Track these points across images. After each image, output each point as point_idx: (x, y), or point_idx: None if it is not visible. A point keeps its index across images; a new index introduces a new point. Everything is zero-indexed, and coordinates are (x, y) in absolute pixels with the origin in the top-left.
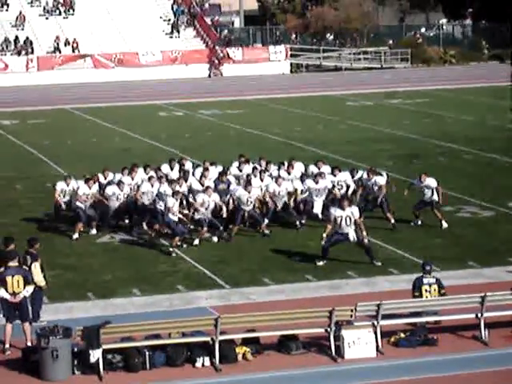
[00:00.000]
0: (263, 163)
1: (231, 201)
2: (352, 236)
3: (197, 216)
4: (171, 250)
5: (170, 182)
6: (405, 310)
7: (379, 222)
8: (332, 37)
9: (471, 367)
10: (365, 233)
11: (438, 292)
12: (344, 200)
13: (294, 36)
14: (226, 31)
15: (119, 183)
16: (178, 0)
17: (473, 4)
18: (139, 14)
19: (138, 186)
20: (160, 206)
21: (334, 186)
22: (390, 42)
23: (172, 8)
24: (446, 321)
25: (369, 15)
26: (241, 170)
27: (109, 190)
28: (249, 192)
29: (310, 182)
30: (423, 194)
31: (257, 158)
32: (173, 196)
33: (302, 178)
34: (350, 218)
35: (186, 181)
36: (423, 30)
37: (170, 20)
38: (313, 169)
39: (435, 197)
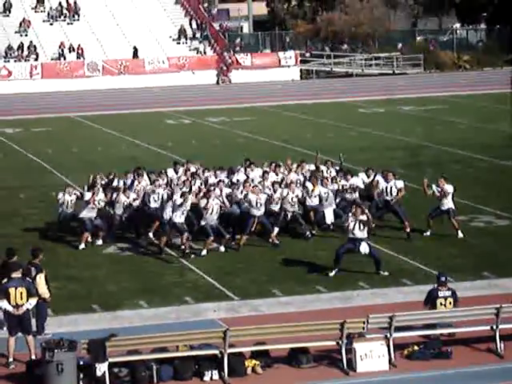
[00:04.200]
0: (272, 166)
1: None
2: (364, 248)
3: (202, 222)
4: (187, 251)
5: (176, 185)
6: (418, 321)
7: (392, 232)
8: (339, 42)
9: (486, 380)
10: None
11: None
12: (357, 208)
13: (309, 43)
14: (238, 40)
15: (125, 190)
16: (188, 9)
17: (487, 8)
18: (145, 20)
19: (145, 193)
20: (166, 214)
21: (344, 190)
22: (400, 45)
23: (190, 25)
24: (461, 333)
25: (380, 20)
26: (247, 176)
27: (114, 197)
28: (257, 194)
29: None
30: (440, 200)
31: (265, 164)
32: (181, 196)
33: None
34: (364, 224)
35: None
36: (432, 36)
37: (173, 23)
38: (322, 168)
39: (452, 204)
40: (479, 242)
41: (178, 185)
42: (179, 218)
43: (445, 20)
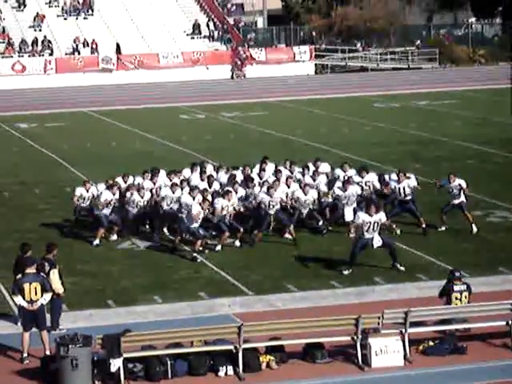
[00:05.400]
0: (287, 164)
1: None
2: (376, 242)
3: (215, 220)
4: (195, 255)
5: (192, 189)
6: (433, 317)
7: (407, 227)
8: (353, 36)
9: (501, 376)
10: (397, 230)
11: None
12: (372, 207)
13: (323, 37)
14: (253, 34)
15: (139, 189)
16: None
17: (502, 2)
18: (159, 15)
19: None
20: (182, 213)
21: (362, 189)
22: (418, 42)
23: (208, 26)
24: (476, 328)
25: (395, 14)
26: (261, 177)
27: (129, 197)
28: (270, 196)
29: (338, 190)
30: (451, 196)
31: (280, 161)
32: (198, 202)
33: (329, 185)
34: (378, 224)
35: (210, 186)
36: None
37: (187, 17)
38: (339, 172)
39: (463, 198)
40: (495, 238)
41: (192, 190)
42: (195, 223)
43: (460, 14)
